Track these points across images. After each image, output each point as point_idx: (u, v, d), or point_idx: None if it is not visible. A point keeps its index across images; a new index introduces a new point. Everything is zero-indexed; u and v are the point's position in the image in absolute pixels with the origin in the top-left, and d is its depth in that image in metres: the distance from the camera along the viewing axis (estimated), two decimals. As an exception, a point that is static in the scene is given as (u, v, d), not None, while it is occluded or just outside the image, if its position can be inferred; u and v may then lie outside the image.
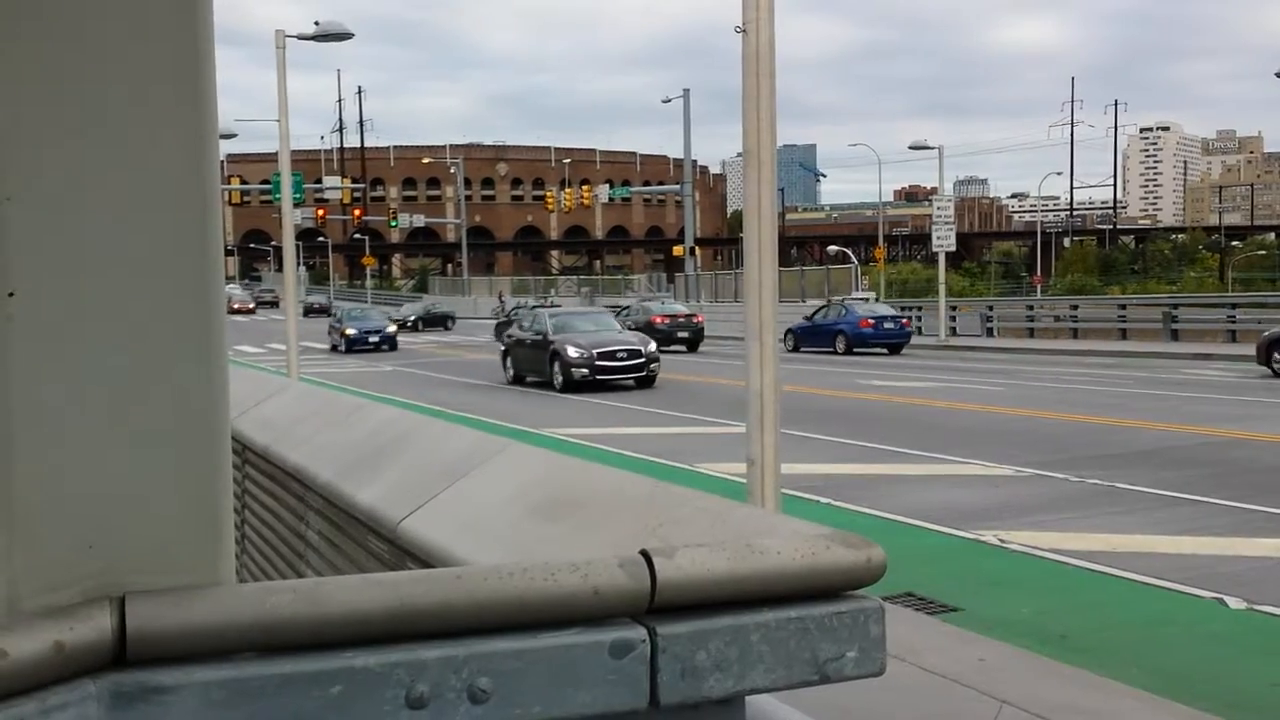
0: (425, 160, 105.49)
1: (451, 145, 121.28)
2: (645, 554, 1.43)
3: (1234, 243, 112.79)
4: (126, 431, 1.00)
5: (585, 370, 23.37)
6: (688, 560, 1.45)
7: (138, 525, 1.01)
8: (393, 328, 42.50)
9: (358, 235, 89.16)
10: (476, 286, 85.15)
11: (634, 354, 23.96)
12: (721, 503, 2.17)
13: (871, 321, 34.62)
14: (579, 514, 2.14)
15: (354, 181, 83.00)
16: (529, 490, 2.41)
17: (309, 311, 78.71)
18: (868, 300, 43.14)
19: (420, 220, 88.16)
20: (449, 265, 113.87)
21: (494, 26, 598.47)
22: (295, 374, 17.85)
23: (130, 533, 1.01)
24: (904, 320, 36.20)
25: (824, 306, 38.61)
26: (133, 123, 0.98)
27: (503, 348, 27.74)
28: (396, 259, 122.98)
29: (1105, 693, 5.31)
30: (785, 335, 36.22)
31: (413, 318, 61.63)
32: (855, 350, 34.08)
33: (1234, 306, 36.71)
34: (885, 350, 34.40)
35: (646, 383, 24.07)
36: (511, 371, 26.34)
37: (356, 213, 78.90)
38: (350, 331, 41.38)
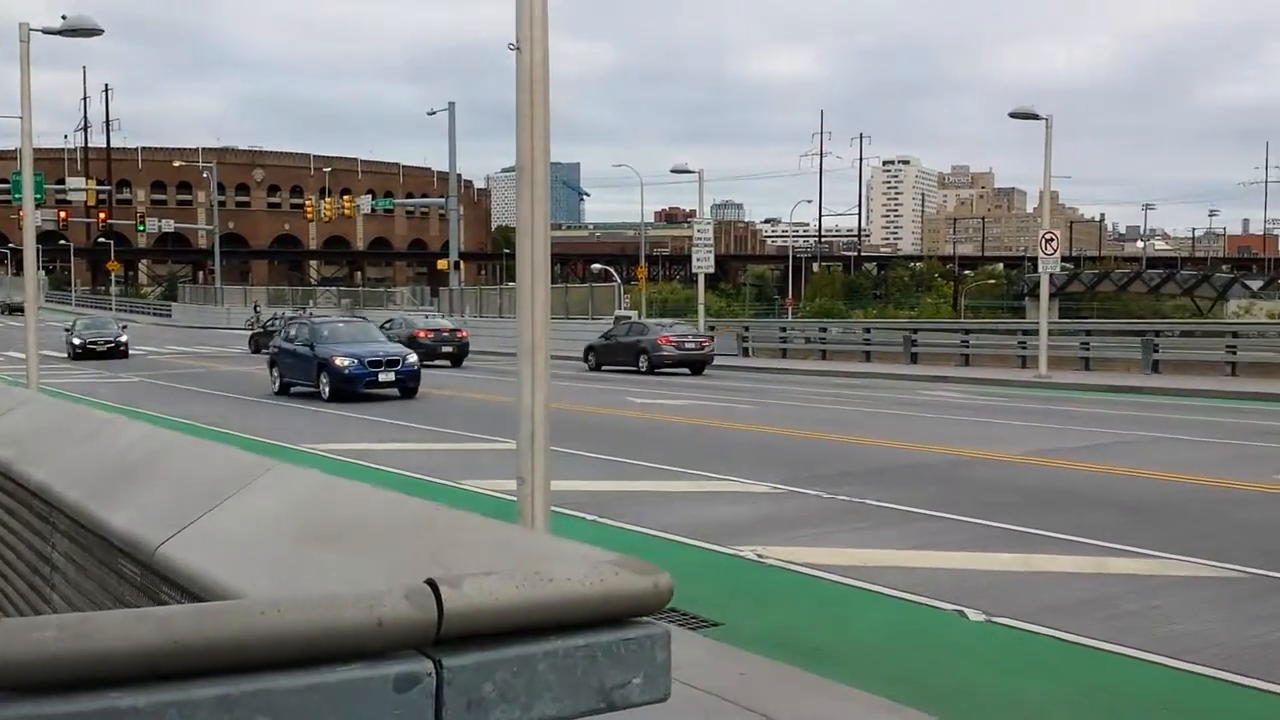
0: (176, 163, 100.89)
1: (205, 148, 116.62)
2: (432, 583, 1.39)
3: (966, 271, 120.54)
4: None
5: None
6: (476, 589, 1.42)
7: None
8: (413, 356, 25.74)
9: (102, 239, 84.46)
10: (230, 296, 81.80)
11: None
12: (504, 528, 2.14)
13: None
14: (355, 538, 2.07)
15: (99, 183, 78.49)
16: (300, 513, 2.31)
17: (9, 310, 74.08)
18: (629, 319, 43.89)
19: (170, 225, 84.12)
20: (200, 273, 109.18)
21: (253, 27, 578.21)
22: (35, 384, 16.74)
23: None
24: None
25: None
26: None
27: None
28: (144, 265, 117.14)
29: (856, 703, 5.53)
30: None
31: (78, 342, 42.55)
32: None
33: (967, 332, 39.16)
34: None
35: None
36: None
37: (101, 216, 74.85)
38: (343, 362, 24.13)
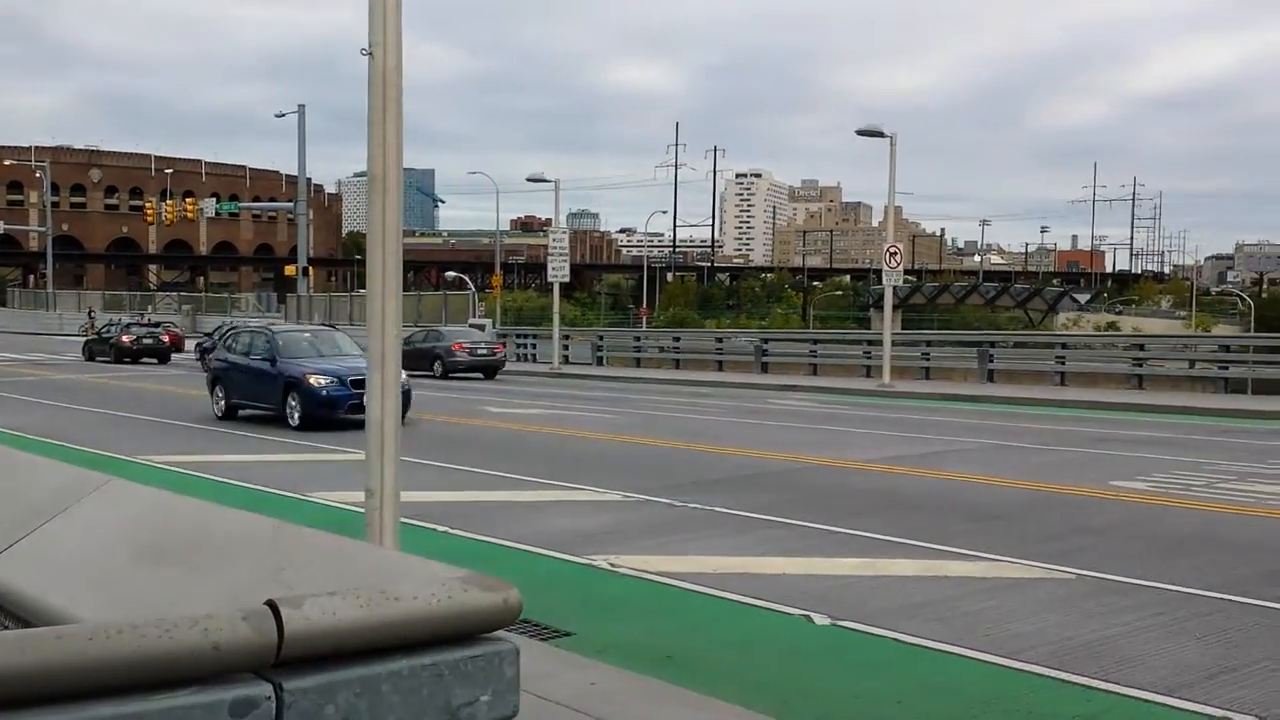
0: (7, 162, 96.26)
1: (38, 147, 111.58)
2: (272, 604, 1.35)
3: (815, 283, 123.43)
4: None
5: None
6: (317, 610, 1.39)
7: None
8: (403, 374, 16.21)
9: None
10: (63, 301, 78.51)
11: None
12: (351, 544, 2.10)
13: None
14: (195, 557, 2.00)
15: (-81, 180, 74.56)
16: (137, 531, 2.22)
17: None
18: (484, 327, 43.80)
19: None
20: (31, 276, 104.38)
21: (93, 23, 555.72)
22: None
23: None
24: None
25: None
26: None
27: None
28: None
29: (707, 710, 5.59)
30: None
31: None
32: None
33: (815, 343, 40.06)
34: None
35: None
36: None
37: (-79, 215, 71.07)
38: (319, 381, 20.12)
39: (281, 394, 20.55)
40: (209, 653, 1.21)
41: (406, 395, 19.75)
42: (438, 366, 35.75)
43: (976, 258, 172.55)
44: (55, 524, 2.43)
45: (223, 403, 21.99)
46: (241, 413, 21.70)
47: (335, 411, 19.95)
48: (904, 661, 6.74)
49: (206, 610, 1.31)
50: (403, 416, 20.96)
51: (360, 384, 18.97)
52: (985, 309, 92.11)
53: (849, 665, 6.73)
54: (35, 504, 2.53)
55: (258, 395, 21.40)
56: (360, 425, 19.90)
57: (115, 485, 2.61)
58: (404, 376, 19.98)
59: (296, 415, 20.01)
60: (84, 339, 51.22)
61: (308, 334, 23.46)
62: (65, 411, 23.34)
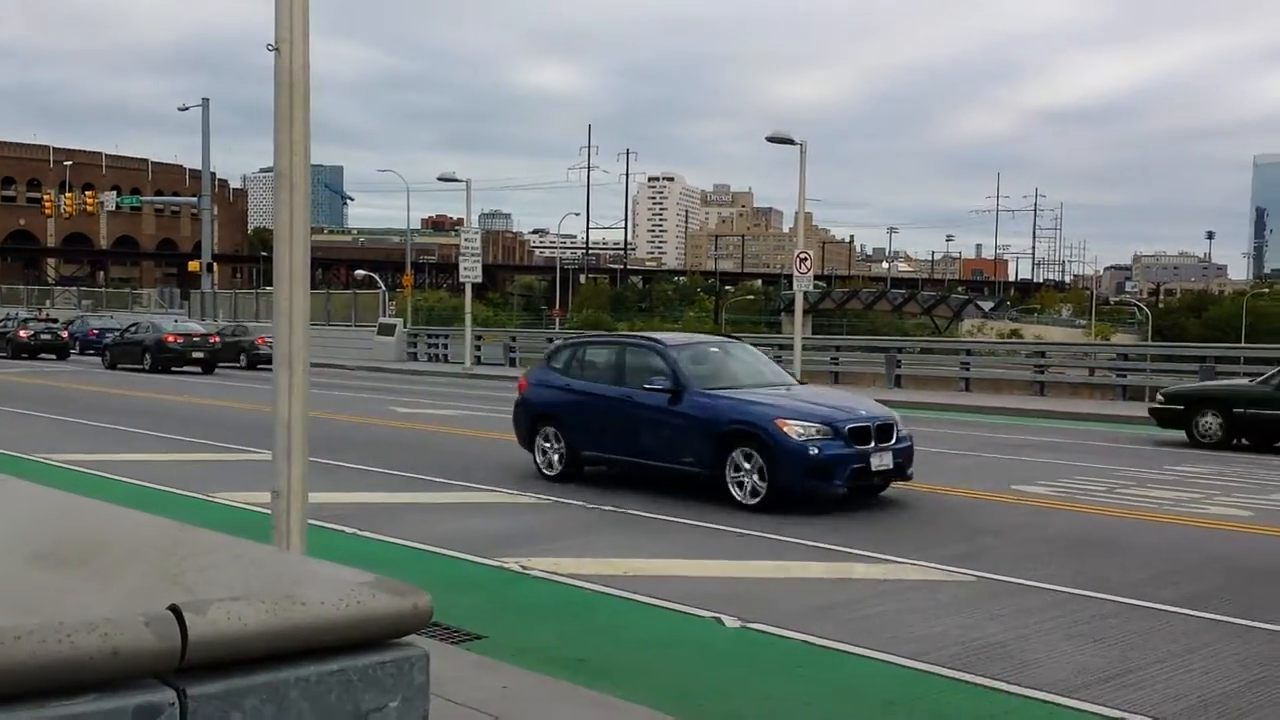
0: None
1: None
2: (175, 609, 1.32)
3: (727, 287, 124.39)
4: None
5: None
6: (222, 615, 1.36)
7: None
8: (897, 416, 13.13)
9: None
10: (-44, 294, 75.91)
11: None
12: (256, 548, 2.06)
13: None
14: (95, 560, 1.94)
15: None
16: (33, 533, 2.15)
17: None
18: (394, 327, 43.39)
19: (-114, 217, 77.48)
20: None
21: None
22: None
23: None
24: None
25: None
26: None
27: None
28: None
29: (619, 713, 5.59)
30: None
31: None
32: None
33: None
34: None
35: None
36: None
37: None
38: (799, 431, 12.01)
39: (714, 449, 12.47)
40: (109, 658, 1.18)
41: (911, 449, 13.06)
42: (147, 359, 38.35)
43: (884, 265, 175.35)
44: (-54, 525, 2.34)
45: (560, 454, 14.09)
46: (588, 468, 14.16)
47: (830, 483, 12.16)
48: (812, 663, 6.81)
49: (107, 614, 1.27)
50: (903, 475, 12.89)
51: (862, 435, 12.35)
52: (893, 315, 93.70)
53: (759, 667, 6.77)
54: (-76, 505, 2.44)
55: (651, 448, 13.27)
56: (860, 500, 12.93)
57: (10, 485, 2.54)
58: (899, 420, 13.03)
59: (754, 483, 12.09)
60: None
61: (715, 349, 14.54)
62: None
